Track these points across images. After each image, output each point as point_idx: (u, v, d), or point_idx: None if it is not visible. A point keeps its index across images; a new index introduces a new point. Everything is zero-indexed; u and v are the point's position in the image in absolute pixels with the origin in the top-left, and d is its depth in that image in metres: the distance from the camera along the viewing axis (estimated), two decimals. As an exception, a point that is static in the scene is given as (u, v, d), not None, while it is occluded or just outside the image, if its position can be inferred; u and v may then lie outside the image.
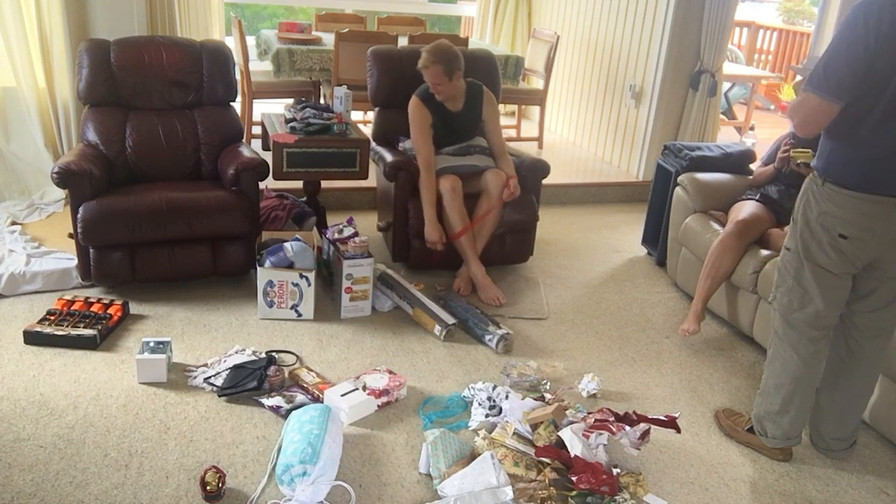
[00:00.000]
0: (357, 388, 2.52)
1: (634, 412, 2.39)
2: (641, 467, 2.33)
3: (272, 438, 2.32)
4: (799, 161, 2.87)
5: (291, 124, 3.54)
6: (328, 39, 5.07)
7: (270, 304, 3.05)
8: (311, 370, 2.71)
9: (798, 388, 2.33)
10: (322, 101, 5.10)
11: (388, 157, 3.51)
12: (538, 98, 5.66)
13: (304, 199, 3.85)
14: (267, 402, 2.48)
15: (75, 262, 3.15)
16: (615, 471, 2.21)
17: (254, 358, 2.71)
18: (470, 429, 2.45)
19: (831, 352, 2.37)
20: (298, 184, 3.87)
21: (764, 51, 9.33)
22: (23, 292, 3.12)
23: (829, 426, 2.44)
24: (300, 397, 2.53)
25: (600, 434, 2.29)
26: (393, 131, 3.75)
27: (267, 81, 4.93)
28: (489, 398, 2.54)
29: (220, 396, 2.52)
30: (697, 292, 3.19)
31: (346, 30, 4.76)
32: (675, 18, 4.78)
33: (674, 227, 3.67)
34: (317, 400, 2.53)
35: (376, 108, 3.88)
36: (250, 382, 2.53)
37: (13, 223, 3.68)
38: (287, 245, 3.02)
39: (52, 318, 2.85)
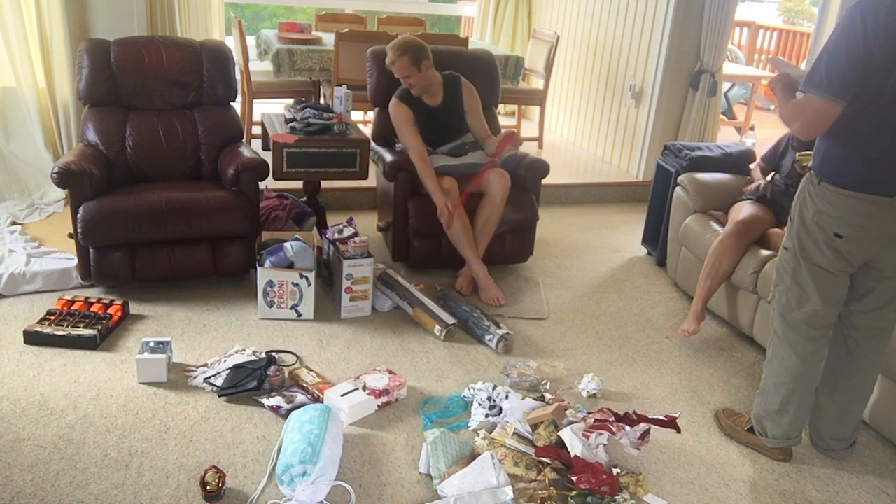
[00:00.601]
0: (357, 388, 2.52)
1: (634, 412, 2.40)
2: (641, 467, 2.33)
3: (272, 438, 2.32)
4: (805, 164, 2.88)
5: (291, 124, 3.54)
6: (328, 39, 5.07)
7: (270, 304, 3.05)
8: (311, 370, 2.71)
9: (797, 388, 2.33)
10: (322, 101, 5.10)
11: (388, 156, 3.51)
12: (538, 98, 5.66)
13: (304, 199, 3.85)
14: (267, 402, 2.48)
15: (75, 262, 3.15)
16: (615, 471, 2.21)
17: (254, 358, 2.71)
18: (470, 429, 2.45)
19: (830, 352, 2.38)
20: (298, 184, 3.87)
21: (764, 51, 9.33)
22: (23, 292, 3.12)
23: (828, 426, 2.44)
24: (300, 397, 2.53)
25: (600, 434, 2.29)
26: (393, 131, 3.74)
27: (267, 81, 4.93)
28: (489, 398, 2.54)
29: (220, 396, 2.52)
30: (697, 292, 3.19)
31: (346, 30, 4.76)
32: (675, 18, 4.78)
33: (674, 227, 3.67)
34: (317, 400, 2.53)
35: (376, 108, 3.88)
36: (250, 382, 2.53)
37: (13, 223, 3.68)
38: (287, 245, 3.02)
39: (52, 318, 2.85)
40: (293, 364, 2.77)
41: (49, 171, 3.07)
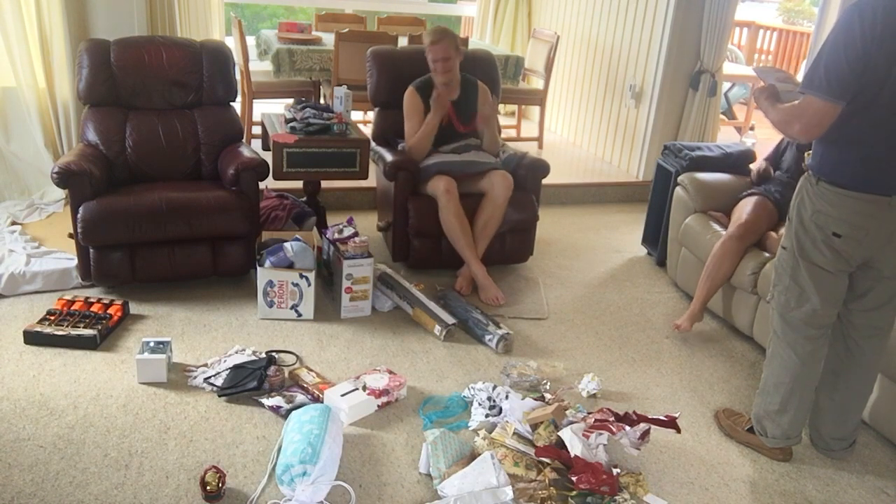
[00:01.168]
0: (357, 388, 2.52)
1: (634, 412, 2.39)
2: (641, 467, 2.33)
3: (272, 438, 2.32)
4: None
5: (291, 124, 3.54)
6: (328, 39, 5.07)
7: (270, 304, 3.05)
8: (311, 370, 2.71)
9: (797, 387, 2.33)
10: (322, 101, 5.10)
11: (388, 156, 3.52)
12: (538, 98, 5.66)
13: (304, 199, 3.85)
14: (267, 402, 2.48)
15: (75, 262, 3.15)
16: (615, 471, 2.21)
17: (254, 358, 2.71)
18: (470, 429, 2.45)
19: (830, 351, 2.38)
20: (298, 184, 3.87)
21: (764, 51, 9.32)
22: (23, 292, 3.12)
23: (828, 426, 2.44)
24: (300, 397, 2.53)
25: (600, 434, 2.29)
26: (393, 132, 3.75)
27: (267, 81, 4.93)
28: (489, 398, 2.54)
29: (220, 396, 2.52)
30: (697, 293, 3.20)
31: (346, 30, 4.76)
32: (675, 18, 4.78)
33: (674, 227, 3.67)
34: (317, 400, 2.53)
35: (376, 109, 3.89)
36: (250, 382, 2.53)
37: (13, 223, 3.68)
38: (287, 245, 3.02)
39: (52, 318, 2.85)
40: (293, 364, 2.77)
41: (49, 171, 3.07)
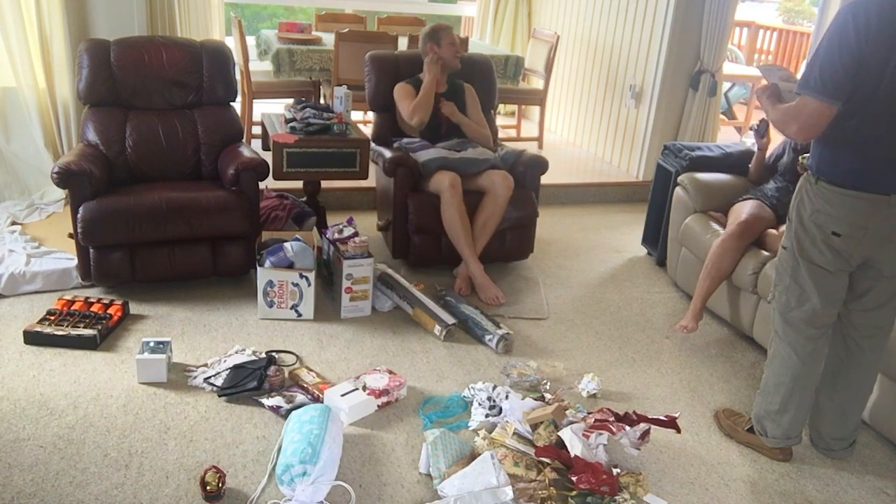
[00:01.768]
0: (357, 388, 2.52)
1: (634, 412, 2.39)
2: (641, 467, 2.33)
3: (272, 438, 2.32)
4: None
5: (291, 124, 3.54)
6: (328, 39, 5.07)
7: (270, 304, 3.05)
8: (311, 370, 2.71)
9: (797, 387, 2.33)
10: (322, 101, 5.10)
11: (388, 153, 3.54)
12: (538, 98, 5.66)
13: (304, 199, 3.85)
14: (267, 402, 2.48)
15: (75, 262, 3.15)
16: (615, 471, 2.21)
17: (254, 358, 2.71)
18: (470, 429, 2.45)
19: (830, 351, 2.38)
20: (298, 184, 3.88)
21: (764, 51, 9.33)
22: (23, 292, 3.12)
23: (828, 426, 2.44)
24: (300, 397, 2.53)
25: (600, 434, 2.29)
26: (392, 134, 3.77)
27: (267, 81, 4.93)
28: (489, 398, 2.54)
29: (220, 396, 2.52)
30: (697, 291, 3.20)
31: (346, 30, 4.76)
32: (675, 18, 4.78)
33: (674, 227, 3.67)
34: (317, 400, 2.53)
35: (375, 113, 3.92)
36: (250, 382, 2.53)
37: (13, 223, 3.68)
38: (287, 245, 3.02)
39: (52, 318, 2.85)
40: (293, 364, 2.77)
41: (49, 171, 3.07)
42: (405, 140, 3.64)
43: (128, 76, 3.40)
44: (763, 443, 2.44)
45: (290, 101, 3.90)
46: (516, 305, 3.38)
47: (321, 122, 3.52)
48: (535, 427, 2.37)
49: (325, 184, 3.94)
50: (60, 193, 3.95)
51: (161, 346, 2.63)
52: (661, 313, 3.45)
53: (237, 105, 3.97)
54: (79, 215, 2.97)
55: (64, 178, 2.97)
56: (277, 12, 8.48)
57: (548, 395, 2.61)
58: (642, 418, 2.36)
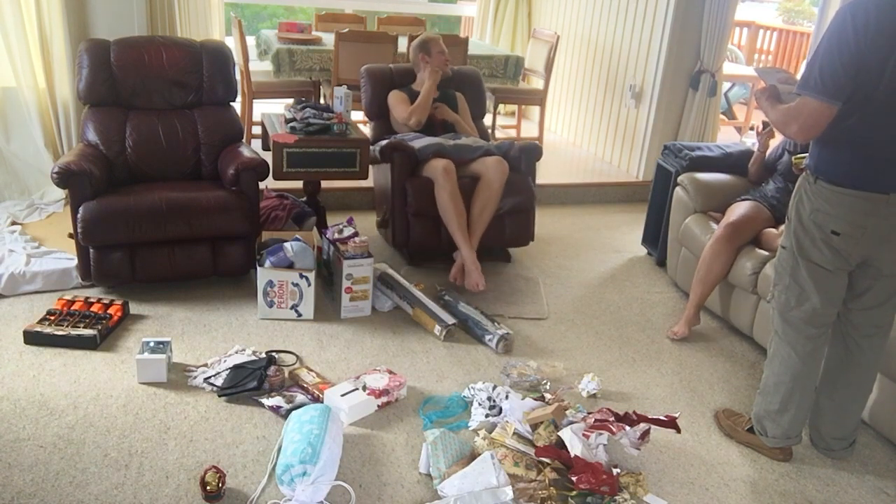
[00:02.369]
0: (357, 388, 2.52)
1: (634, 412, 2.39)
2: (641, 467, 2.33)
3: (272, 438, 2.32)
4: (802, 165, 2.88)
5: (291, 124, 3.54)
6: (328, 39, 5.07)
7: (270, 304, 3.05)
8: (311, 370, 2.71)
9: (797, 387, 2.33)
10: (322, 101, 5.10)
11: (384, 141, 3.61)
12: (538, 98, 5.65)
13: (304, 199, 3.85)
14: (267, 402, 2.48)
15: (75, 262, 3.15)
16: (615, 471, 2.22)
17: (254, 358, 2.71)
18: (470, 429, 2.45)
19: (830, 351, 2.38)
20: (298, 184, 3.88)
21: (764, 51, 9.32)
22: (23, 292, 3.12)
23: (828, 426, 2.45)
24: (300, 397, 2.53)
25: (600, 434, 2.29)
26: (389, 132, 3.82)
27: (267, 81, 4.93)
28: (489, 398, 2.54)
29: (220, 396, 2.52)
30: (691, 298, 3.20)
31: (346, 30, 4.76)
32: (675, 18, 4.78)
33: (674, 227, 3.67)
34: (317, 400, 2.53)
35: (371, 122, 4.00)
36: (250, 382, 2.53)
37: (13, 223, 3.68)
38: (287, 245, 3.02)
39: (52, 318, 2.85)
40: (293, 364, 2.77)
41: (49, 171, 3.07)
42: (399, 135, 3.71)
43: (128, 76, 3.40)
44: (763, 443, 2.44)
45: (290, 101, 3.90)
46: (516, 305, 3.38)
47: (321, 122, 3.52)
48: (535, 427, 2.37)
49: (324, 184, 3.95)
50: (60, 193, 3.95)
51: (161, 346, 2.63)
52: (661, 313, 3.45)
53: (237, 105, 3.97)
54: (79, 215, 2.97)
55: (64, 178, 2.97)
56: (277, 12, 8.48)
57: (548, 395, 2.61)
58: (642, 418, 2.36)
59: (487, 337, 2.99)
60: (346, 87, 3.88)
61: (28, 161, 4.03)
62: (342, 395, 2.46)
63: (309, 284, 3.02)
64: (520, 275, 3.73)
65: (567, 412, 2.45)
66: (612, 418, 2.37)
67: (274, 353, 2.76)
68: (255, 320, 3.05)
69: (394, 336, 3.03)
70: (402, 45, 5.00)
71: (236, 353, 2.78)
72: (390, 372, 2.69)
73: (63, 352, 2.71)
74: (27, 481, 2.07)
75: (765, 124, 3.37)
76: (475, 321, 3.06)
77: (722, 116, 6.08)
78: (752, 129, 6.70)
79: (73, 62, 3.68)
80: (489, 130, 4.45)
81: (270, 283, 3.01)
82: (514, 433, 2.34)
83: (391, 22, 6.15)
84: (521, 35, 6.63)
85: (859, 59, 1.92)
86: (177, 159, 3.44)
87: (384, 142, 3.58)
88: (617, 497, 2.14)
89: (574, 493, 2.13)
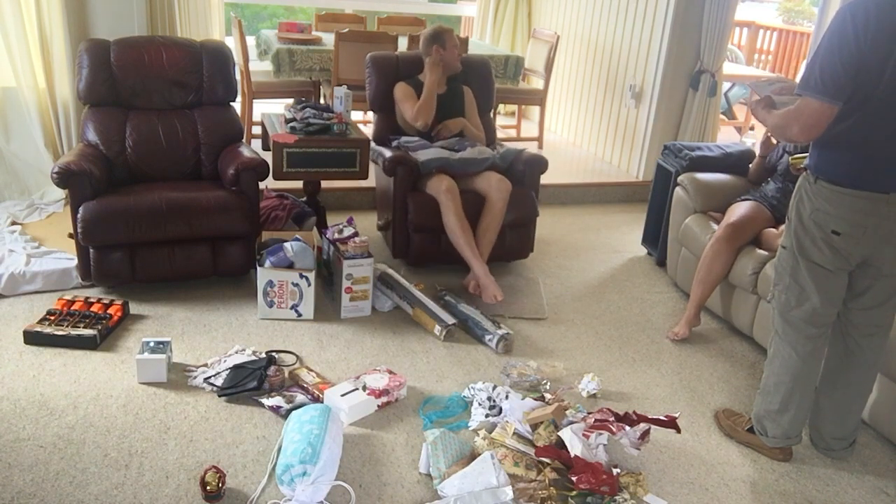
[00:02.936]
0: (357, 388, 2.52)
1: (634, 412, 2.40)
2: (641, 467, 2.33)
3: (272, 438, 2.32)
4: (800, 165, 2.88)
5: (291, 124, 3.54)
6: (328, 39, 5.07)
7: (270, 304, 3.05)
8: (311, 370, 2.71)
9: (797, 387, 2.33)
10: (322, 101, 5.10)
11: (387, 153, 3.54)
12: (538, 98, 5.66)
13: (304, 199, 3.85)
14: (267, 402, 2.48)
15: (75, 262, 3.15)
16: (615, 471, 2.22)
17: (254, 358, 2.71)
18: (470, 429, 2.45)
19: (830, 351, 2.38)
20: (298, 184, 3.88)
21: (764, 51, 9.32)
22: (23, 292, 3.12)
23: (828, 426, 2.45)
24: (300, 397, 2.53)
25: (600, 434, 2.29)
26: (392, 133, 3.78)
27: (267, 81, 4.93)
28: (489, 398, 2.54)
29: (220, 396, 2.52)
30: (691, 299, 3.20)
31: (346, 30, 4.76)
32: (675, 18, 4.78)
33: (674, 227, 3.67)
34: (317, 400, 2.53)
35: (375, 113, 3.93)
36: (250, 382, 2.53)
37: (13, 223, 3.68)
38: (287, 245, 3.02)
39: (52, 318, 2.85)
40: (293, 364, 2.77)
41: (49, 171, 3.07)
42: (404, 139, 3.65)
43: (128, 76, 3.40)
44: (763, 443, 2.44)
45: (290, 101, 3.89)
46: (516, 305, 3.38)
47: (321, 122, 3.52)
48: (535, 427, 2.37)
49: (325, 184, 3.95)
50: (60, 193, 3.95)
51: (161, 346, 2.63)
52: (661, 313, 3.45)
53: (237, 105, 3.97)
54: (79, 215, 2.97)
55: (64, 178, 2.97)
56: (277, 12, 8.48)
57: (548, 395, 2.61)
58: (642, 418, 2.36)
59: (487, 337, 2.99)
60: (346, 87, 3.88)
61: (28, 161, 4.03)
62: (342, 395, 2.46)
63: (309, 284, 3.02)
64: (520, 275, 3.73)
65: (567, 412, 2.45)
66: (612, 418, 2.37)
67: (274, 353, 2.76)
68: (255, 320, 3.05)
69: (394, 336, 3.03)
70: (402, 44, 5.01)
71: (236, 353, 2.78)
72: (390, 372, 2.69)
73: (63, 352, 2.71)
74: (27, 481, 2.07)
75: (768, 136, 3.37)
76: (475, 321, 3.06)
77: (722, 116, 6.08)
78: (752, 129, 6.70)
79: (73, 62, 3.68)
80: (494, 129, 4.35)
81: (270, 283, 3.01)
82: (514, 433, 2.34)
83: (391, 22, 6.15)
84: (521, 35, 6.63)
85: (859, 59, 1.92)
86: (177, 159, 3.44)
87: (388, 152, 3.54)
88: (617, 497, 2.14)
89: (574, 493, 2.13)
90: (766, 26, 9.42)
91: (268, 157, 3.37)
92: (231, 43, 4.40)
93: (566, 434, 2.28)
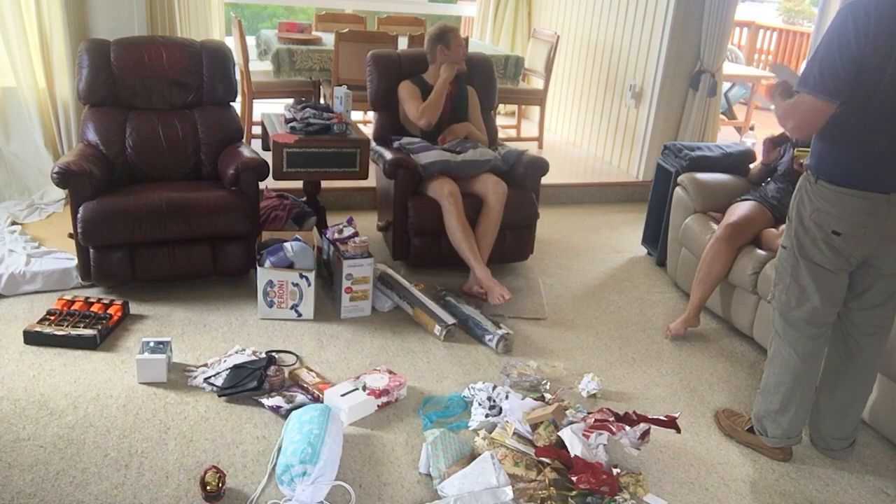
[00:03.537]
0: (357, 388, 2.52)
1: (634, 412, 2.39)
2: (641, 467, 2.33)
3: (272, 438, 2.32)
4: (802, 160, 2.89)
5: (291, 124, 3.54)
6: (328, 39, 5.07)
7: (270, 304, 3.05)
8: (311, 370, 2.71)
9: (797, 387, 2.33)
10: (322, 101, 5.10)
11: (388, 155, 3.52)
12: (538, 98, 5.66)
13: (304, 199, 3.85)
14: (267, 402, 2.48)
15: (75, 262, 3.15)
16: (615, 471, 2.22)
17: (254, 358, 2.71)
18: (470, 429, 2.45)
19: (830, 351, 2.38)
20: (298, 184, 3.87)
21: (764, 51, 9.33)
22: (23, 292, 3.12)
23: (828, 425, 2.45)
24: (300, 397, 2.53)
25: (600, 434, 2.29)
26: (393, 133, 3.77)
27: (267, 81, 4.93)
28: (489, 398, 2.54)
29: (220, 396, 2.52)
30: (691, 298, 3.20)
31: (346, 30, 4.76)
32: (675, 18, 4.78)
33: (674, 227, 3.67)
34: (317, 400, 2.53)
35: (376, 112, 3.91)
36: (250, 382, 2.53)
37: (13, 223, 3.68)
38: (287, 245, 3.02)
39: (52, 318, 2.85)
40: (293, 364, 2.77)
41: (49, 171, 3.07)
42: (405, 140, 3.64)
43: (128, 76, 3.40)
44: (763, 443, 2.44)
45: (290, 101, 3.89)
46: (516, 305, 3.38)
47: (321, 122, 3.52)
48: (535, 427, 2.37)
49: (325, 184, 3.94)
50: (60, 193, 3.95)
51: (161, 346, 2.63)
52: (661, 313, 3.45)
53: (237, 105, 3.97)
54: (79, 215, 2.97)
55: (64, 178, 2.97)
56: (277, 12, 8.48)
57: (548, 395, 2.61)
58: (642, 418, 2.36)
59: (487, 337, 2.99)
60: (346, 87, 3.87)
61: (28, 161, 4.03)
62: (342, 395, 2.46)
63: (309, 284, 3.02)
64: (520, 275, 3.73)
65: (567, 412, 2.45)
66: (612, 418, 2.37)
67: (274, 353, 2.76)
68: (255, 320, 3.05)
69: (394, 336, 3.03)
70: (403, 44, 5.01)
71: (236, 353, 2.78)
72: (390, 372, 2.69)
73: (63, 352, 2.71)
74: (27, 481, 2.07)
75: (772, 142, 3.35)
76: (475, 321, 3.06)
77: (722, 116, 6.08)
78: (751, 129, 6.70)
79: (73, 62, 3.68)
80: (496, 127, 4.33)
81: (270, 283, 3.01)
82: (514, 433, 2.34)
83: (391, 22, 6.15)
84: (521, 35, 6.63)
85: (860, 58, 1.92)
86: (177, 159, 3.44)
87: (389, 154, 3.53)
88: (617, 497, 2.14)
89: (574, 493, 2.13)
90: (766, 26, 9.43)
91: (268, 157, 3.37)
92: (231, 43, 4.40)
93: (566, 434, 2.28)
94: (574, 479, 2.14)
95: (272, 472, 2.16)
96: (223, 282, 3.35)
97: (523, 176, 3.64)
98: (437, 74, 3.63)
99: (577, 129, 6.08)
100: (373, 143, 3.71)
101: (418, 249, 3.52)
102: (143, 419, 2.37)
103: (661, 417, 2.40)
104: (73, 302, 2.98)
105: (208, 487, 2.01)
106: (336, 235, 3.18)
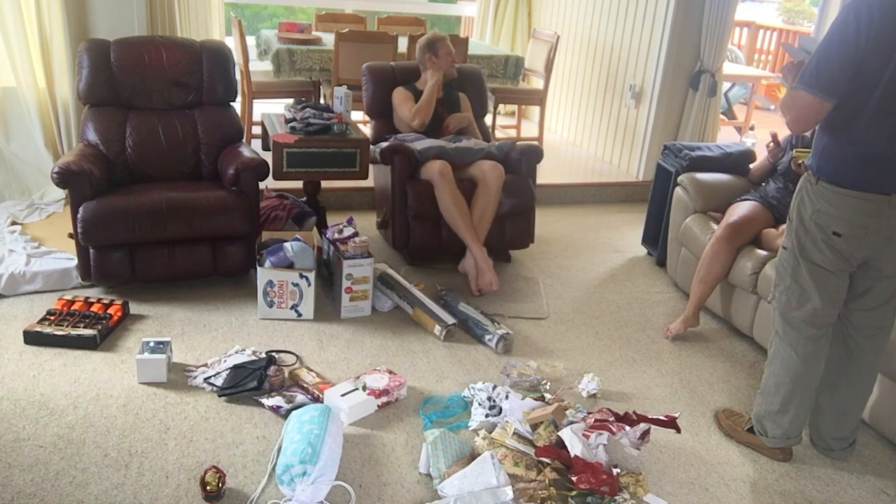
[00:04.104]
0: (357, 388, 2.52)
1: (634, 412, 2.39)
2: (641, 467, 2.33)
3: (272, 438, 2.32)
4: (801, 161, 2.88)
5: (291, 124, 3.54)
6: (328, 39, 5.07)
7: (270, 304, 3.05)
8: (311, 370, 2.71)
9: (797, 388, 2.33)
10: (322, 101, 5.09)
11: (384, 143, 3.60)
12: (538, 98, 5.65)
13: (304, 199, 3.85)
14: (267, 402, 2.48)
15: (75, 262, 3.15)
16: (615, 471, 2.22)
17: (254, 358, 2.71)
18: (470, 429, 2.45)
19: (830, 351, 2.38)
20: (298, 184, 3.88)
21: (764, 51, 9.33)
22: (23, 292, 3.12)
23: (828, 426, 2.45)
24: (300, 397, 2.53)
25: (600, 434, 2.29)
26: (390, 131, 3.81)
27: (267, 81, 4.93)
28: (489, 398, 2.54)
29: (220, 396, 2.52)
30: (690, 298, 3.20)
31: (346, 30, 4.76)
32: (675, 18, 4.78)
33: (674, 227, 3.67)
34: (317, 400, 2.53)
35: (372, 120, 4.01)
36: (250, 382, 2.53)
37: (13, 223, 3.68)
38: (287, 245, 3.02)
39: (52, 318, 2.85)
40: (293, 364, 2.77)
41: (49, 171, 3.07)
42: (400, 135, 3.72)
43: (128, 76, 3.40)
44: (763, 443, 2.44)
45: (290, 101, 3.89)
46: (516, 305, 3.38)
47: (321, 122, 3.52)
48: (535, 427, 2.37)
49: (325, 184, 3.95)
50: (60, 193, 3.95)
51: (161, 346, 2.63)
52: (661, 313, 3.45)
53: (237, 105, 3.97)
54: (79, 215, 2.96)
55: (64, 178, 2.96)
56: (277, 12, 8.47)
57: (548, 395, 2.61)
58: (642, 418, 2.36)
59: (487, 337, 2.99)
60: (346, 87, 3.88)
61: (28, 161, 4.03)
62: (342, 395, 2.46)
63: (309, 284, 3.02)
64: (520, 275, 3.73)
65: (567, 412, 2.45)
66: (612, 418, 2.37)
67: (274, 353, 2.76)
68: (255, 320, 3.05)
69: (394, 336, 3.03)
70: (403, 45, 5.00)
71: (236, 353, 2.78)
72: (390, 372, 2.69)
73: (63, 352, 2.71)
74: (27, 481, 2.07)
75: (774, 141, 3.34)
76: (475, 321, 3.06)
77: (722, 116, 6.08)
78: (751, 129, 6.70)
79: (73, 62, 3.67)
80: (489, 130, 4.46)
81: (270, 283, 3.01)
82: (514, 433, 2.34)
83: (391, 22, 6.15)
84: (521, 35, 6.63)
85: (859, 58, 1.92)
86: (177, 159, 3.44)
87: (385, 143, 3.58)
88: (617, 497, 2.14)
89: (574, 493, 2.13)
90: (766, 26, 9.43)
91: (268, 157, 3.38)
92: (231, 43, 4.40)
93: (566, 434, 2.28)
94: (574, 479, 2.14)
95: (272, 472, 2.16)
96: (223, 282, 3.35)
97: (518, 161, 3.70)
98: (426, 82, 3.78)
99: (577, 129, 6.08)
100: (371, 147, 3.73)
101: (418, 236, 3.54)
102: (143, 419, 2.37)
103: (661, 417, 2.40)
104: (73, 302, 2.98)
105: (208, 487, 2.01)
106: (336, 235, 3.18)
